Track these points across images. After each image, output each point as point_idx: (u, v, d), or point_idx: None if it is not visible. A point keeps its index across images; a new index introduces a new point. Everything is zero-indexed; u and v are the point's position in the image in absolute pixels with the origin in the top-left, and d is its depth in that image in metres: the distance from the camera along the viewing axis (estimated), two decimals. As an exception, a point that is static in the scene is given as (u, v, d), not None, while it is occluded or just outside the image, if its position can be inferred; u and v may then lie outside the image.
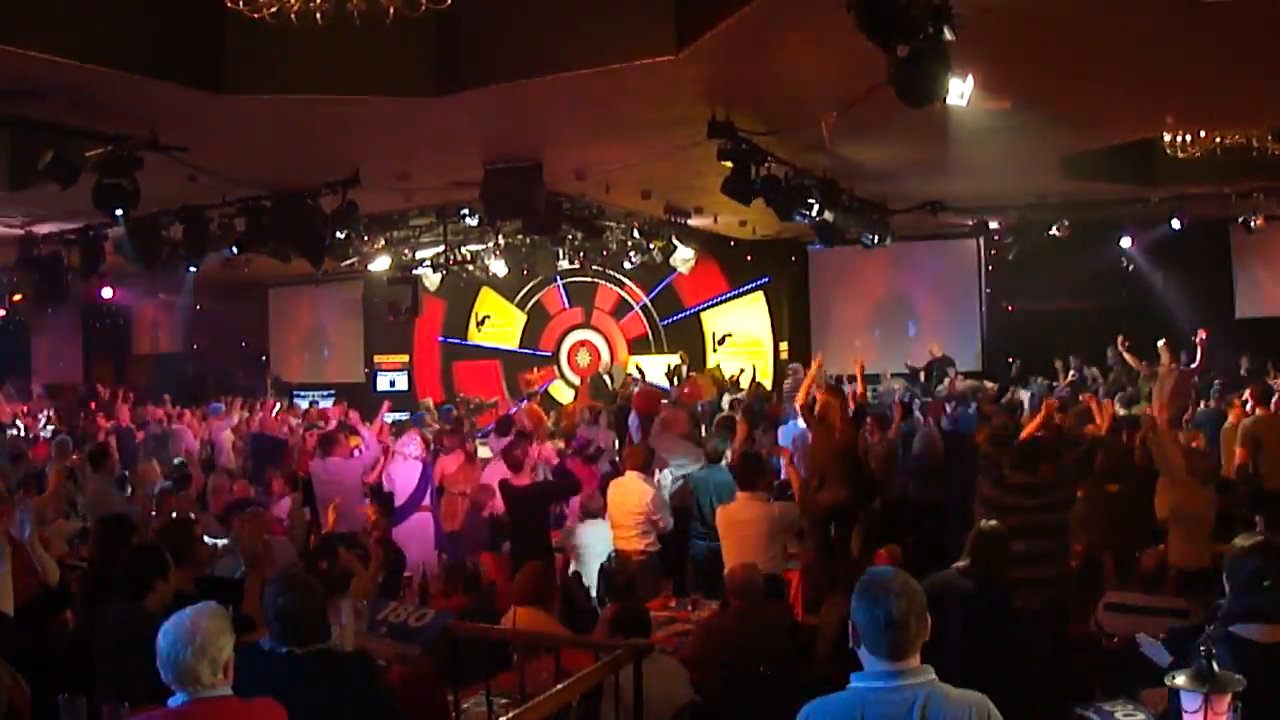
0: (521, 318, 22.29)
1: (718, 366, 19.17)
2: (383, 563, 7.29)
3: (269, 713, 3.68)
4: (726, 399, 15.02)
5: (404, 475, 10.55)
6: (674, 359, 18.65)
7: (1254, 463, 10.27)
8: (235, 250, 12.17)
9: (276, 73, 8.14)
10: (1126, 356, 14.91)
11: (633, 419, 12.39)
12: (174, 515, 9.33)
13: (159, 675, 3.57)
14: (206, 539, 7.69)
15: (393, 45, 8.12)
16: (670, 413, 11.81)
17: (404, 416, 17.29)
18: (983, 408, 12.91)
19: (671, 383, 16.90)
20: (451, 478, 11.16)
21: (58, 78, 7.62)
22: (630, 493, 9.23)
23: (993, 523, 6.44)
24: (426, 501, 10.51)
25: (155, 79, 7.79)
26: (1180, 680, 3.48)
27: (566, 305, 22.01)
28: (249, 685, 3.69)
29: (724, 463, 9.65)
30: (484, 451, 12.74)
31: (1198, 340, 14.07)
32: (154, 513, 10.05)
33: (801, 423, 10.59)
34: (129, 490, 11.52)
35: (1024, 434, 8.54)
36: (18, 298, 16.11)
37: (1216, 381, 14.20)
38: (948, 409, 13.33)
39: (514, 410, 14.34)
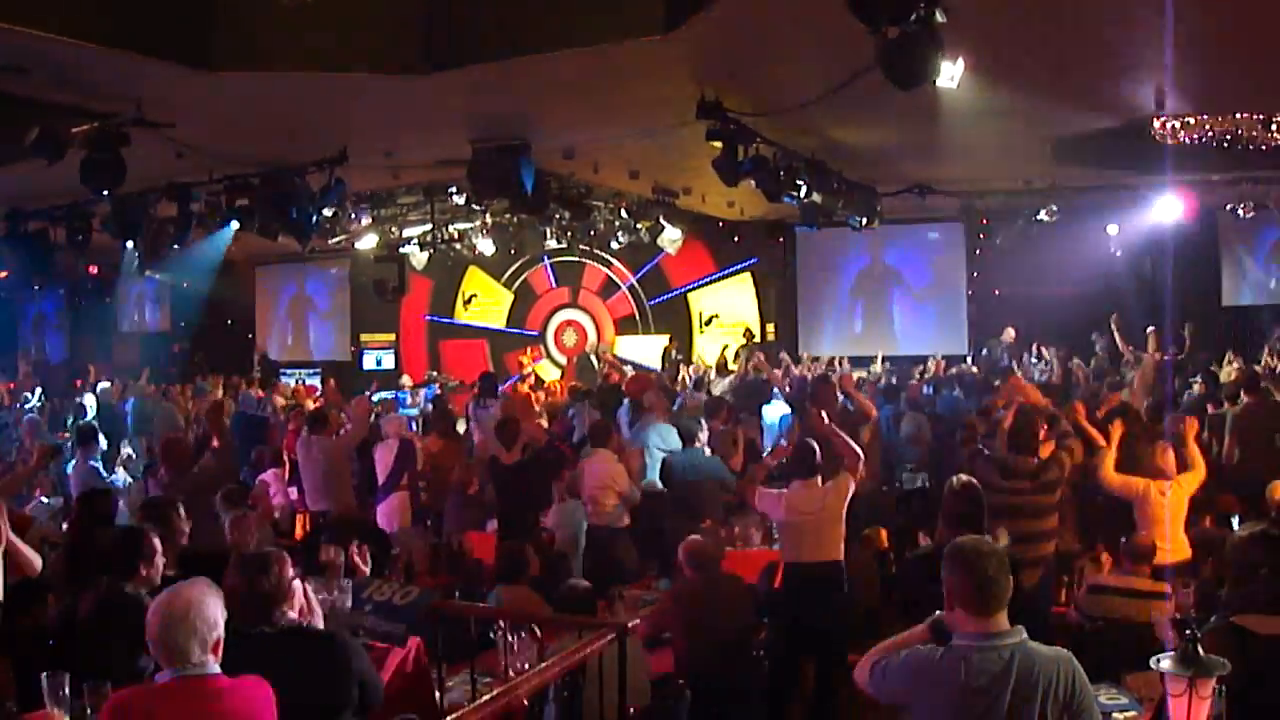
0: (509, 297, 22.24)
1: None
2: None
3: (255, 691, 3.62)
4: (719, 383, 14.98)
5: (383, 454, 10.54)
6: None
7: (1239, 450, 10.26)
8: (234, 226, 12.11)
9: (264, 49, 8.07)
10: (1118, 337, 14.86)
11: (625, 405, 12.27)
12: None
13: (144, 654, 3.52)
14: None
15: (380, 22, 8.09)
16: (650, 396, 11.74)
17: (390, 395, 17.29)
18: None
19: (663, 365, 16.80)
20: (436, 456, 11.12)
21: (44, 53, 7.56)
22: (601, 468, 9.33)
23: (963, 477, 6.48)
24: (405, 480, 10.52)
25: (142, 55, 7.72)
26: (1165, 664, 3.50)
27: (554, 284, 21.98)
28: (226, 664, 3.63)
29: (698, 444, 9.71)
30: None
31: (1186, 333, 14.20)
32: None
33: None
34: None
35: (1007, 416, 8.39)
36: (3, 275, 16.03)
37: (1197, 376, 14.16)
38: (925, 391, 13.36)
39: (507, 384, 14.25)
